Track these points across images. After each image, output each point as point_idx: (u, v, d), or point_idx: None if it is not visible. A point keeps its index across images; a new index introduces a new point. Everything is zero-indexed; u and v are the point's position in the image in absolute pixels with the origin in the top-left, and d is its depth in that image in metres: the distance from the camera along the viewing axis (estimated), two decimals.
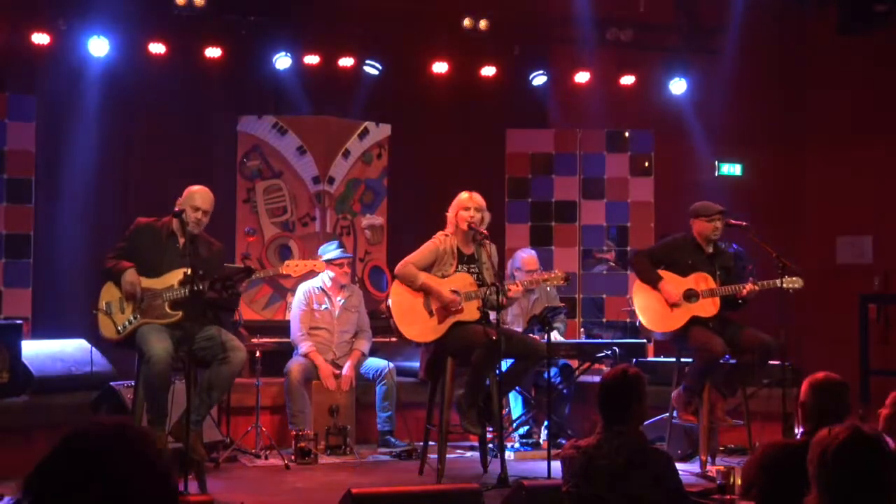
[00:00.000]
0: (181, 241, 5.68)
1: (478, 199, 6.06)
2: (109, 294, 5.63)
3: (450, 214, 6.09)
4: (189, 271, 5.38)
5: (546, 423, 6.91)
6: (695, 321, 6.32)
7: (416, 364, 7.20)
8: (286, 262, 5.93)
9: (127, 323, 5.56)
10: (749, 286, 6.22)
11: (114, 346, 5.88)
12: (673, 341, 6.59)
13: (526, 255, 7.47)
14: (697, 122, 9.76)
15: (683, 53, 9.35)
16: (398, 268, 6.07)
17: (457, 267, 6.02)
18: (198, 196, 5.72)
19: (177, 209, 5.69)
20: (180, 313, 5.53)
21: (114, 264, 5.65)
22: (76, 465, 1.73)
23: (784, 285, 6.19)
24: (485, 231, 6.02)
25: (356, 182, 8.95)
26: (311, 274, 6.73)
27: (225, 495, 5.42)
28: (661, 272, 6.43)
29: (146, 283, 5.59)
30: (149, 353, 5.35)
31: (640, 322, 6.57)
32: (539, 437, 7.15)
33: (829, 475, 2.56)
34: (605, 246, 9.26)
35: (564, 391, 7.17)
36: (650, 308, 6.43)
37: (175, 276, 5.57)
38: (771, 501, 3.41)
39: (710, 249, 6.47)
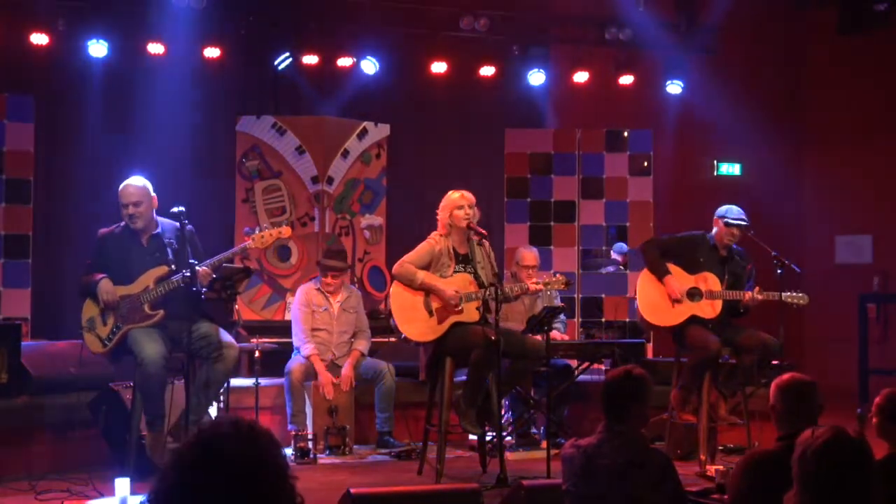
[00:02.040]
0: (143, 239, 5.64)
1: (469, 196, 6.04)
2: (89, 310, 5.58)
3: (442, 215, 6.06)
4: (166, 269, 5.38)
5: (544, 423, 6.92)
6: (693, 320, 6.32)
7: (416, 364, 7.22)
8: (252, 237, 5.67)
9: (111, 334, 5.52)
10: (750, 294, 6.21)
11: (107, 360, 5.81)
12: (672, 338, 6.59)
13: (525, 252, 7.48)
14: (696, 122, 9.76)
15: (682, 53, 9.35)
16: (395, 268, 6.06)
17: (455, 268, 6.02)
18: (121, 192, 5.62)
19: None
20: (161, 312, 5.49)
21: (87, 280, 5.60)
22: (206, 464, 1.82)
23: (786, 300, 6.19)
24: (483, 231, 6.01)
25: (355, 182, 8.95)
26: (307, 267, 6.69)
27: None
28: (670, 266, 6.41)
29: (122, 290, 5.52)
30: (141, 356, 5.32)
31: (638, 313, 6.55)
32: (538, 436, 7.15)
33: (811, 474, 2.57)
34: (618, 251, 9.24)
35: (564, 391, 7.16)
36: (652, 300, 6.42)
37: (149, 277, 5.52)
38: None
39: (724, 252, 6.46)
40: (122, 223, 5.69)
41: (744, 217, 6.39)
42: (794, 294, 6.21)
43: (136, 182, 5.63)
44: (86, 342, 5.64)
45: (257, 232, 5.67)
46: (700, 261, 6.40)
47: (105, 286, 5.50)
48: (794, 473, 2.63)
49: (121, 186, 5.65)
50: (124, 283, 5.54)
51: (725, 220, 6.38)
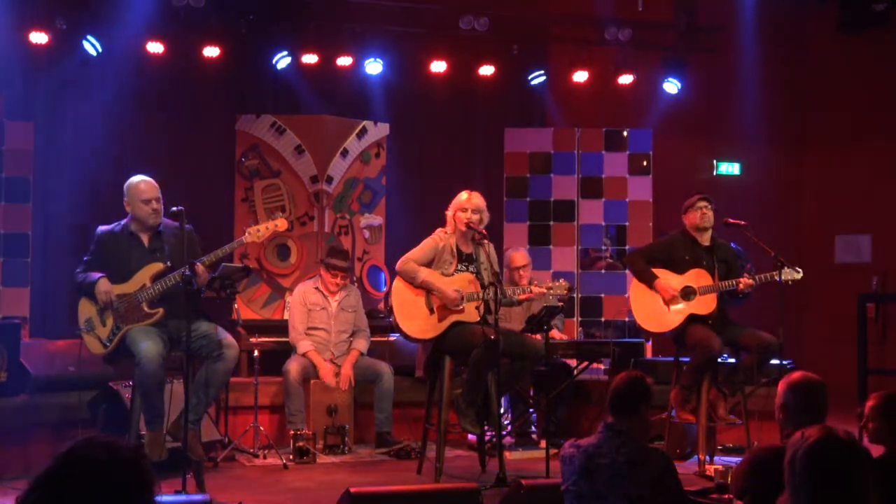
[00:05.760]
0: (144, 238, 5.60)
1: (476, 200, 6.04)
2: (87, 310, 5.52)
3: (449, 213, 6.08)
4: (162, 266, 5.36)
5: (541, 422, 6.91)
6: (693, 319, 6.31)
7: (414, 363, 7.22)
8: (247, 231, 5.58)
9: (111, 335, 5.48)
10: (745, 280, 6.21)
11: (107, 360, 5.77)
12: (672, 340, 6.58)
13: (514, 253, 7.50)
14: (696, 122, 9.76)
15: (682, 53, 9.35)
16: (399, 264, 6.06)
17: (457, 266, 6.02)
18: (143, 188, 5.55)
19: (128, 210, 5.59)
20: (160, 310, 5.45)
21: (83, 278, 5.54)
22: (70, 483, 1.89)
23: (783, 277, 6.17)
24: (484, 231, 6.01)
25: (354, 181, 8.95)
26: (306, 266, 6.69)
27: (223, 495, 5.42)
28: (657, 270, 6.42)
29: (119, 289, 5.47)
30: (139, 356, 5.29)
31: (637, 324, 6.55)
32: (537, 436, 7.15)
33: (800, 476, 2.54)
34: (603, 245, 9.26)
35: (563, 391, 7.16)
36: (646, 309, 6.41)
37: (146, 275, 5.47)
38: None
39: (708, 242, 6.45)
40: (123, 221, 5.65)
41: (707, 196, 6.42)
42: (789, 269, 6.19)
43: (150, 179, 5.61)
44: (86, 343, 5.60)
45: (253, 227, 5.60)
46: (686, 259, 6.40)
47: (103, 285, 5.45)
48: (784, 477, 2.61)
49: (136, 183, 5.56)
50: (121, 281, 5.50)
51: (688, 205, 6.42)
